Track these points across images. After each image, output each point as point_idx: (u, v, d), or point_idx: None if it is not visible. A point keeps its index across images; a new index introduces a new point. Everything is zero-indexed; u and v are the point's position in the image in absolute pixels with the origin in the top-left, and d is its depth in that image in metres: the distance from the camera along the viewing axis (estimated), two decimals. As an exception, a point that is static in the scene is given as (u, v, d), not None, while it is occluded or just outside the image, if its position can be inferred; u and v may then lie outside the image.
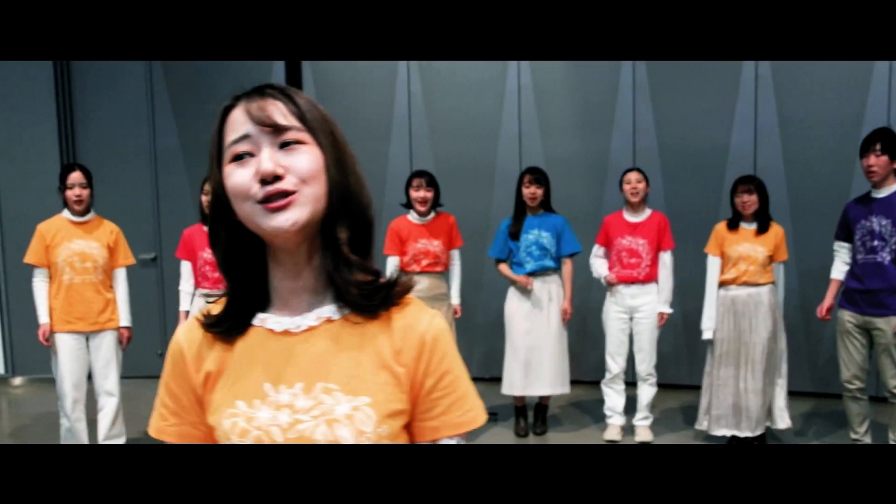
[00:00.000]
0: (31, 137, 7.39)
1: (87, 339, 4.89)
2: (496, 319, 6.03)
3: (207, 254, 4.90)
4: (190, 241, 5.02)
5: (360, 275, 1.17)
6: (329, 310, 1.19)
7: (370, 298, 1.17)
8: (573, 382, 5.60)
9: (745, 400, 4.92)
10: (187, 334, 1.26)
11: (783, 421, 5.05)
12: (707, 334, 5.06)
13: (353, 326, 1.18)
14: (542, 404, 5.67)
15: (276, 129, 1.13)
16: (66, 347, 4.81)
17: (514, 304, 5.45)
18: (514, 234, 5.40)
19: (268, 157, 1.11)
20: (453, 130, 7.03)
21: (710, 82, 6.44)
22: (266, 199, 1.11)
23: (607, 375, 5.44)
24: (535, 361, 5.38)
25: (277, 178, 1.11)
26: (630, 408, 5.52)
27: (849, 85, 6.14)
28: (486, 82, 6.95)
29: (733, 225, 5.01)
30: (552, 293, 5.40)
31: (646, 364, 5.36)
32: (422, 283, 5.27)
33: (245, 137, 1.13)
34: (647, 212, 5.36)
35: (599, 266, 5.43)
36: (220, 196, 1.17)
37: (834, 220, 4.84)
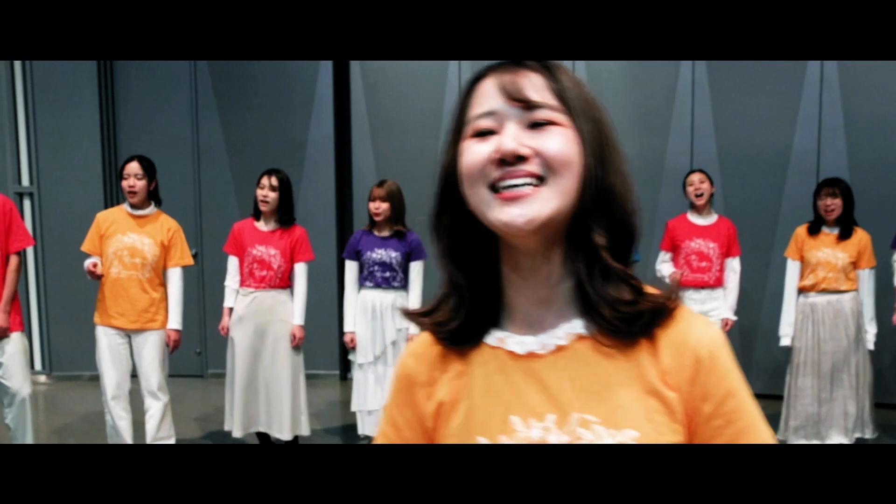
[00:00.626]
0: (73, 130, 7.28)
1: (130, 337, 4.74)
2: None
3: (257, 251, 4.75)
4: (240, 235, 4.82)
5: (621, 290, 0.96)
6: (578, 325, 0.99)
7: (630, 323, 0.95)
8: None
9: (827, 410, 4.74)
10: (417, 357, 1.09)
11: (868, 431, 4.86)
12: (785, 341, 4.89)
13: (610, 342, 0.97)
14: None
15: (528, 106, 0.95)
16: (105, 342, 4.67)
17: None
18: None
19: (511, 135, 0.94)
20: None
21: (773, 83, 6.27)
22: (500, 187, 0.94)
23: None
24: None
25: (521, 159, 0.93)
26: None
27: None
28: (659, 77, 6.74)
29: (814, 229, 4.83)
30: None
31: None
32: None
33: (490, 113, 0.97)
34: (715, 216, 5.18)
35: (666, 269, 5.24)
36: (450, 177, 1.00)
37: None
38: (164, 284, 4.80)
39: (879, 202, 5.92)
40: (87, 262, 4.59)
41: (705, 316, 4.98)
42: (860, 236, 4.76)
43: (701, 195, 5.10)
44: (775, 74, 6.23)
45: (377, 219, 4.81)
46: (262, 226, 4.81)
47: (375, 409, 4.81)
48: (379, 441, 1.11)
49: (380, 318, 4.80)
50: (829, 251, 4.75)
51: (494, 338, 1.02)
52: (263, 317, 4.76)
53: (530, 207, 0.93)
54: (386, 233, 4.85)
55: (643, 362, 0.96)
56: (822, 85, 6.19)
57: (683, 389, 0.95)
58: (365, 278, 4.85)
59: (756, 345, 6.36)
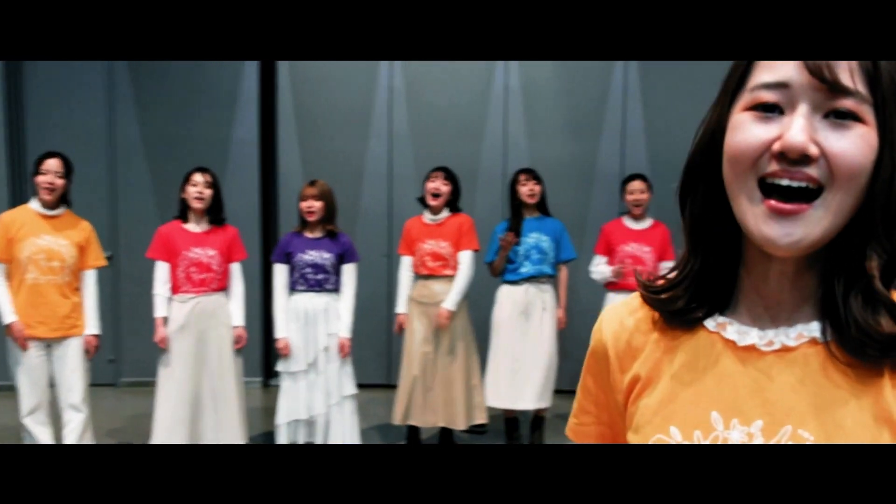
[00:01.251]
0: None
1: (49, 347, 4.43)
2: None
3: (194, 254, 4.50)
4: (169, 240, 4.54)
5: (882, 320, 0.80)
6: (815, 327, 0.86)
7: (885, 351, 0.80)
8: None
9: None
10: (613, 326, 0.99)
11: None
12: None
13: (845, 356, 0.83)
14: (538, 416, 5.40)
15: (833, 90, 0.77)
16: (23, 354, 4.35)
17: (504, 311, 5.15)
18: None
19: (801, 126, 0.77)
20: (435, 130, 6.74)
21: (703, 88, 6.22)
22: (772, 185, 0.78)
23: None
24: (524, 373, 5.10)
25: (806, 159, 0.77)
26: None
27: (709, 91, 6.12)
28: (471, 81, 6.69)
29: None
30: (546, 303, 5.13)
31: None
32: (427, 288, 4.98)
33: (782, 85, 0.79)
34: (650, 220, 5.17)
35: (603, 269, 5.19)
36: (711, 142, 0.86)
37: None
38: (79, 288, 4.51)
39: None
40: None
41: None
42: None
43: (639, 205, 5.10)
44: (705, 79, 6.24)
45: (310, 219, 4.63)
46: (193, 227, 4.57)
47: (305, 419, 4.61)
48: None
49: (312, 324, 4.61)
50: None
51: (714, 322, 0.91)
52: (206, 322, 4.53)
53: (799, 228, 0.78)
54: (318, 234, 4.67)
55: (882, 385, 0.82)
56: (625, 90, 6.33)
57: None
58: (296, 282, 4.65)
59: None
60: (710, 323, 0.91)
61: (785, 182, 0.77)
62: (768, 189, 0.79)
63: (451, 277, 4.98)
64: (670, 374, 0.91)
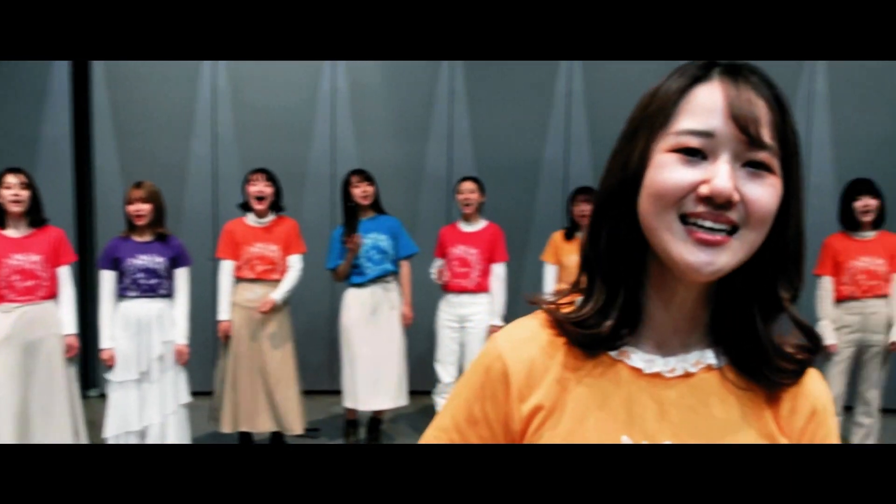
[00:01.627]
0: None
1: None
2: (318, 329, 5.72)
3: (15, 261, 4.20)
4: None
5: (800, 342, 0.94)
6: (710, 354, 0.94)
7: (792, 376, 0.93)
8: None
9: None
10: (514, 352, 0.96)
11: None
12: None
13: (736, 380, 0.94)
14: (376, 417, 5.42)
15: (752, 143, 0.84)
16: None
17: (353, 313, 5.13)
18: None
19: (728, 174, 0.83)
20: (262, 131, 6.60)
21: (525, 95, 6.55)
22: (695, 224, 0.84)
23: (439, 385, 5.28)
24: (378, 373, 5.12)
25: (729, 204, 0.84)
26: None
27: (536, 95, 6.51)
28: (298, 82, 6.61)
29: (570, 235, 5.09)
30: (394, 301, 5.18)
31: None
32: (254, 292, 4.87)
33: (708, 135, 0.85)
34: (483, 222, 5.29)
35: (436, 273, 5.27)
36: (629, 176, 0.90)
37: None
38: None
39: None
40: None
41: (467, 320, 5.09)
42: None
43: (469, 205, 5.20)
44: (527, 86, 6.52)
45: (139, 222, 4.42)
46: (12, 232, 4.27)
47: (137, 430, 4.40)
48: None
49: (146, 331, 4.40)
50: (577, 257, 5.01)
51: (619, 351, 0.95)
52: (34, 333, 4.24)
53: (720, 257, 0.85)
54: (147, 237, 4.47)
55: (763, 405, 0.94)
56: (569, 98, 6.56)
57: (793, 438, 0.94)
58: (126, 288, 4.42)
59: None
60: (613, 351, 0.94)
61: (708, 224, 0.84)
62: (688, 223, 0.85)
63: (278, 282, 4.93)
64: (576, 402, 0.93)
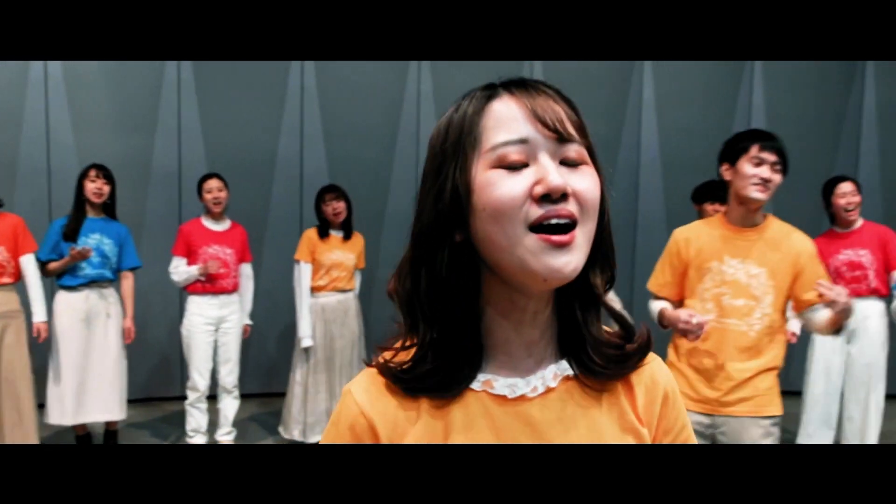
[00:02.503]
0: None
1: None
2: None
3: None
4: None
5: (616, 332, 0.97)
6: (564, 366, 0.96)
7: (621, 365, 0.96)
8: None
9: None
10: (377, 404, 0.93)
11: None
12: (306, 342, 5.02)
13: (592, 383, 0.96)
14: (110, 430, 5.05)
15: (561, 140, 0.87)
16: None
17: (64, 320, 4.72)
18: (71, 235, 4.68)
19: (555, 169, 0.85)
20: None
21: (258, 89, 6.40)
22: (544, 227, 0.84)
23: (193, 395, 5.01)
24: (92, 384, 4.77)
25: (565, 196, 0.85)
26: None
27: (386, 96, 6.60)
28: (7, 72, 5.97)
29: (324, 232, 5.05)
30: (111, 310, 4.83)
31: (233, 376, 5.10)
32: None
33: (522, 142, 0.86)
34: (228, 221, 5.10)
35: (184, 270, 4.95)
36: (446, 209, 0.88)
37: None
38: None
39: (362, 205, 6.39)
40: None
41: (224, 322, 4.90)
42: (358, 238, 5.14)
43: (219, 203, 4.99)
44: (259, 81, 6.37)
45: None
46: None
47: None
48: None
49: None
50: (341, 253, 5.02)
51: (478, 382, 0.93)
52: None
53: (574, 255, 0.86)
54: None
55: (621, 401, 0.98)
56: (302, 94, 6.51)
57: (652, 425, 0.99)
58: None
59: (271, 344, 6.46)
60: (475, 384, 0.93)
61: (553, 221, 0.84)
62: (538, 231, 0.85)
63: (6, 285, 4.47)
64: (447, 434, 0.92)
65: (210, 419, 5.13)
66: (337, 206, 5.01)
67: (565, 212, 0.85)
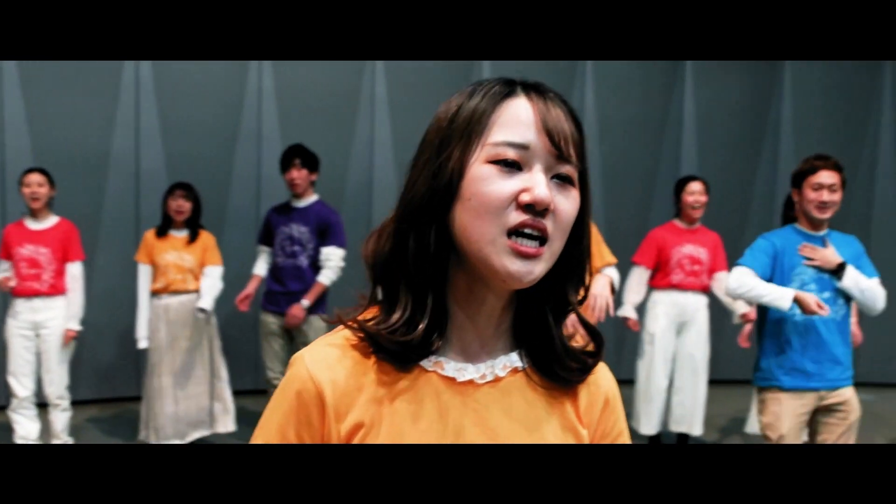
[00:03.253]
0: None
1: None
2: None
3: None
4: None
5: (587, 343, 1.03)
6: (515, 358, 1.01)
7: (582, 373, 1.02)
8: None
9: (185, 408, 4.93)
10: (327, 371, 0.95)
11: (224, 425, 5.16)
12: (142, 343, 4.90)
13: (539, 379, 1.01)
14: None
15: (560, 157, 0.91)
16: None
17: None
18: None
19: (546, 184, 0.90)
20: None
21: (90, 83, 6.15)
22: (519, 233, 0.89)
23: (14, 401, 4.77)
24: None
25: (546, 211, 0.90)
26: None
27: (227, 93, 6.49)
28: None
29: (163, 232, 4.94)
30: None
31: (55, 387, 4.82)
32: None
33: (524, 147, 0.90)
34: (54, 219, 4.88)
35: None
36: (442, 186, 0.92)
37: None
38: None
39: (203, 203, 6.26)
40: None
41: (42, 327, 4.66)
42: (205, 238, 5.03)
43: (36, 199, 4.74)
44: (92, 75, 6.12)
45: None
46: None
47: None
48: None
49: None
50: (176, 254, 4.91)
51: (430, 361, 0.97)
52: None
53: (537, 266, 0.91)
54: None
55: (564, 400, 1.02)
56: (138, 89, 6.30)
57: (592, 427, 1.04)
58: None
59: (110, 347, 6.21)
60: (426, 363, 0.96)
61: (528, 231, 0.89)
62: (511, 237, 0.90)
63: None
64: (392, 416, 0.94)
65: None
66: (182, 205, 4.91)
67: (541, 225, 0.90)
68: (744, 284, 3.38)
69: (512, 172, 0.90)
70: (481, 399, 0.97)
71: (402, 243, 0.94)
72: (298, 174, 4.83)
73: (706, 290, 5.14)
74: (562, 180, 0.92)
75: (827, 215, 3.38)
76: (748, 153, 7.49)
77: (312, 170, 4.89)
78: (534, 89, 0.94)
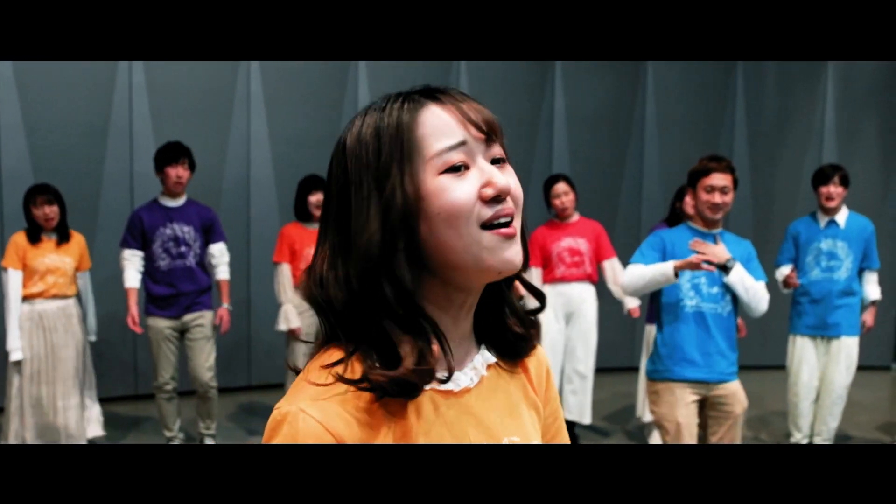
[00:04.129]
0: None
1: None
2: None
3: None
4: None
5: (524, 321, 1.06)
6: (487, 354, 1.04)
7: (528, 349, 1.07)
8: None
9: (63, 419, 4.79)
10: (333, 419, 0.90)
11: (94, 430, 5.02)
12: (15, 355, 4.71)
13: (506, 366, 1.07)
14: None
15: (489, 140, 0.95)
16: None
17: None
18: None
19: (497, 171, 0.93)
20: None
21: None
22: (494, 224, 0.92)
23: None
24: None
25: (507, 196, 0.93)
26: None
27: (93, 89, 6.32)
28: None
29: (34, 237, 4.75)
30: None
31: None
32: None
33: (461, 145, 0.92)
34: None
35: None
36: (399, 216, 0.90)
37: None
38: None
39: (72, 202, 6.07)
40: None
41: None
42: (77, 240, 4.90)
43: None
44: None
45: None
46: None
47: None
48: None
49: None
50: (57, 257, 4.76)
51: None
52: None
53: (519, 245, 0.94)
54: None
55: (523, 379, 1.10)
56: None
57: (541, 397, 1.12)
58: None
59: None
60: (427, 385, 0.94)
61: (503, 220, 0.92)
62: (490, 228, 0.93)
63: None
64: (409, 438, 0.93)
65: None
66: (49, 212, 4.71)
67: (509, 209, 0.93)
68: (634, 277, 3.57)
69: (463, 174, 0.92)
70: (473, 403, 1.00)
71: (373, 287, 0.91)
72: (185, 173, 4.81)
73: (591, 280, 5.34)
74: (499, 161, 0.96)
75: (718, 216, 3.55)
76: (616, 150, 7.81)
77: (193, 169, 4.87)
78: (434, 93, 0.96)
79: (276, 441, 0.90)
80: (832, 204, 4.83)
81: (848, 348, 4.86)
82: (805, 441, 4.96)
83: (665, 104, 7.79)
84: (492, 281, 0.97)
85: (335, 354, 0.94)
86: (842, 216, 4.89)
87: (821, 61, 7.71)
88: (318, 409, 0.90)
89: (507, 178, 0.94)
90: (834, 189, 4.82)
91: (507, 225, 0.93)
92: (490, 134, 0.94)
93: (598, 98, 7.69)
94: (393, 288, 0.91)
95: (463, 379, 0.99)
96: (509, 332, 1.04)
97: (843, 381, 4.87)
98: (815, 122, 7.96)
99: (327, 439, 0.88)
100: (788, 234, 5.05)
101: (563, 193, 5.28)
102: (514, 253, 0.93)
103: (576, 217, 5.37)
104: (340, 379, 0.90)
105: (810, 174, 5.14)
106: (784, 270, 4.99)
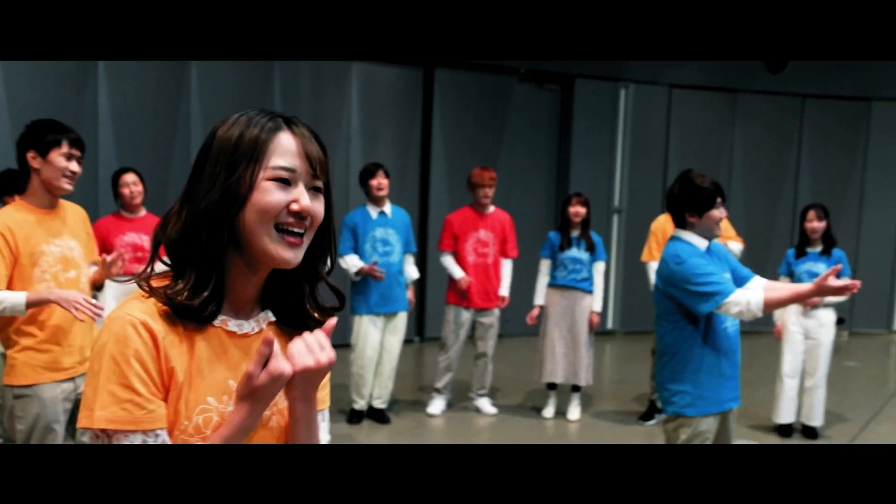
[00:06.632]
0: None
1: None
2: None
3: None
4: None
5: (324, 306, 1.42)
6: (269, 314, 1.39)
7: (317, 323, 1.38)
8: None
9: None
10: (150, 319, 1.24)
11: None
12: None
13: (284, 329, 1.40)
14: None
15: (314, 176, 1.30)
16: None
17: None
18: None
19: (308, 198, 1.28)
20: None
21: None
22: (287, 231, 1.27)
23: None
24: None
25: (307, 216, 1.28)
26: None
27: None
28: None
29: None
30: None
31: None
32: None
33: (291, 170, 1.28)
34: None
35: None
36: (236, 196, 1.25)
37: None
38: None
39: None
40: None
41: None
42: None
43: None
44: None
45: None
46: None
47: None
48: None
49: None
50: None
51: (218, 319, 1.32)
52: None
53: (300, 252, 1.30)
54: None
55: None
56: None
57: None
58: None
59: None
60: (216, 321, 1.31)
61: (295, 230, 1.28)
62: (281, 231, 1.28)
63: None
64: (197, 362, 1.29)
65: None
66: None
67: (302, 226, 1.29)
68: None
69: (285, 187, 1.28)
70: (252, 346, 1.35)
71: (195, 235, 1.27)
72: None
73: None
74: (316, 191, 1.33)
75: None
76: (162, 146, 7.85)
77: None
78: (295, 124, 1.33)
79: (107, 340, 1.23)
80: (382, 193, 5.70)
81: None
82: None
83: (210, 103, 7.91)
84: (276, 268, 1.33)
85: (157, 281, 1.30)
86: (388, 207, 5.80)
87: (347, 62, 8.43)
88: (137, 309, 1.25)
89: (313, 204, 1.30)
90: (383, 180, 5.71)
91: (296, 235, 1.29)
92: (315, 169, 1.32)
93: (146, 96, 7.64)
94: (209, 237, 1.27)
95: (246, 326, 1.36)
96: (306, 313, 1.41)
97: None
98: (344, 123, 8.74)
99: (142, 329, 1.23)
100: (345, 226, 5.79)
101: (132, 183, 5.46)
102: (292, 256, 1.29)
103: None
104: (151, 289, 1.27)
105: (355, 174, 5.81)
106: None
